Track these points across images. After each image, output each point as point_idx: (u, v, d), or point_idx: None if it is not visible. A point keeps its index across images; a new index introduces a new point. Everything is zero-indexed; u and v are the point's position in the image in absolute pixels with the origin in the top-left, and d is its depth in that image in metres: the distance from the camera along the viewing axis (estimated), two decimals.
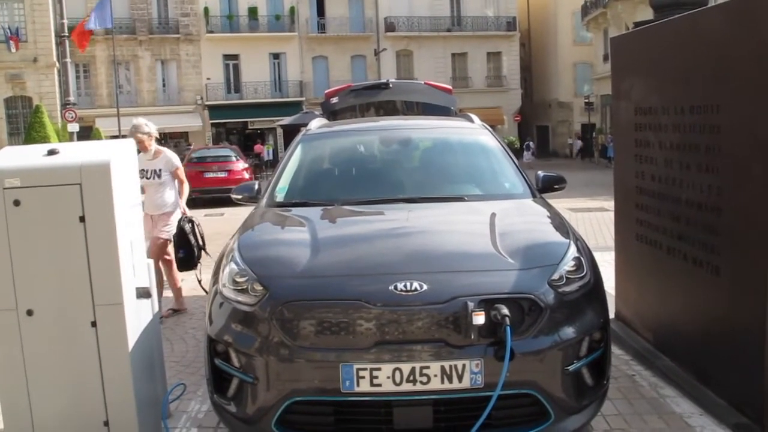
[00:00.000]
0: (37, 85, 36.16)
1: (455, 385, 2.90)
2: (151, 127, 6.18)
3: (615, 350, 4.99)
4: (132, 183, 3.65)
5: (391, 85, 7.40)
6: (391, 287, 2.98)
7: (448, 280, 3.05)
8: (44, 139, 24.29)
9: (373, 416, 3.01)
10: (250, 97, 42.48)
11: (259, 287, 3.14)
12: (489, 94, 46.20)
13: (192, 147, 31.07)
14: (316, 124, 5.46)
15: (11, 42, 34.98)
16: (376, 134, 5.20)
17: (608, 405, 3.92)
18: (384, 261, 3.25)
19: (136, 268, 3.59)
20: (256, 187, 4.69)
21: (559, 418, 3.00)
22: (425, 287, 2.98)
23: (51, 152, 3.46)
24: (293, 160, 4.78)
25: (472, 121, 5.34)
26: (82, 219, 3.30)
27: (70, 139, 24.14)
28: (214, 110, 41.79)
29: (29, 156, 3.51)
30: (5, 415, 3.49)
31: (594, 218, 13.71)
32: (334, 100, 7.39)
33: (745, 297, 3.65)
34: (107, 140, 3.84)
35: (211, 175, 19.47)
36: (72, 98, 25.98)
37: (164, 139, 42.62)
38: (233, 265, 3.36)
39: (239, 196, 4.68)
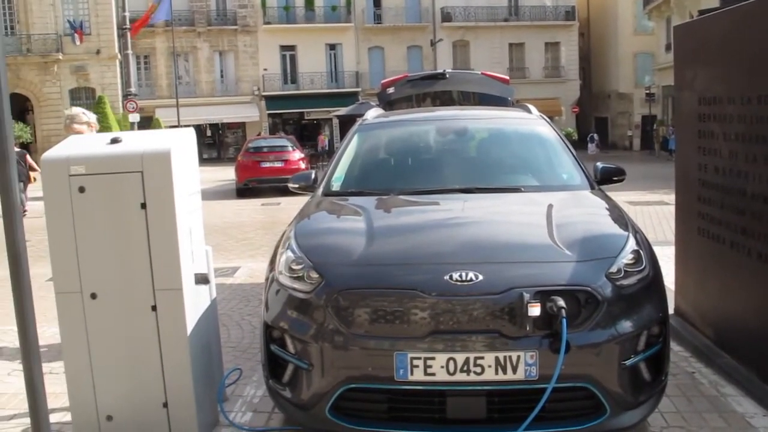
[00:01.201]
0: (100, 76, 37.32)
1: (509, 376, 2.88)
2: (89, 116, 5.72)
3: (674, 346, 4.87)
4: (191, 171, 3.71)
5: (447, 75, 7.36)
6: (447, 277, 2.97)
7: (503, 271, 3.02)
8: (107, 130, 24.98)
9: (426, 405, 3.02)
10: (306, 88, 42.85)
11: (314, 275, 3.17)
12: (547, 84, 45.54)
13: (260, 134, 31.51)
14: (373, 114, 5.47)
15: (76, 35, 36.17)
16: (433, 124, 5.18)
17: (666, 402, 3.83)
18: (439, 250, 3.24)
19: (194, 254, 3.67)
20: (313, 176, 4.73)
21: (614, 412, 2.95)
22: (480, 277, 2.96)
23: (114, 141, 3.56)
24: (349, 149, 4.81)
25: (530, 111, 5.27)
26: (143, 206, 3.38)
27: (131, 129, 24.79)
28: (271, 101, 42.30)
29: (94, 144, 3.61)
30: (71, 395, 3.61)
31: (653, 212, 13.39)
32: (391, 90, 7.39)
33: None
34: (167, 129, 3.95)
35: (267, 164, 19.70)
36: (133, 89, 26.64)
37: (221, 129, 43.53)
38: (290, 253, 3.40)
39: (296, 185, 4.73)
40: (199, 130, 43.28)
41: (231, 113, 41.19)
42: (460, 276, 2.97)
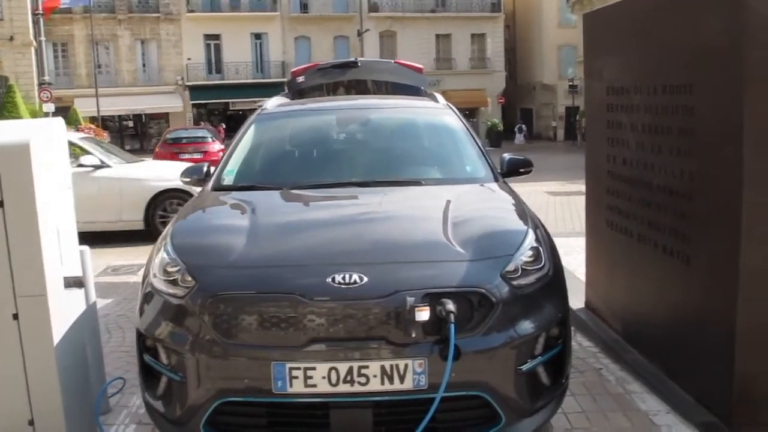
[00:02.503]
0: (14, 64, 35.49)
1: (396, 386, 2.67)
2: None
3: (583, 341, 4.81)
4: (59, 165, 3.37)
5: (359, 64, 7.11)
6: (329, 279, 2.74)
7: (390, 272, 2.80)
8: (17, 120, 23.75)
9: (308, 419, 2.78)
10: (231, 78, 41.99)
11: (188, 278, 2.89)
12: (473, 76, 45.95)
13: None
14: (273, 102, 5.19)
15: None
16: (334, 114, 4.94)
17: (571, 401, 3.73)
18: (323, 251, 3.01)
19: (64, 256, 3.33)
20: (205, 169, 4.41)
21: (510, 420, 2.77)
22: (365, 279, 2.74)
23: None
24: (244, 141, 4.51)
25: (436, 101, 5.09)
26: (0, 204, 3.04)
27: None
28: (195, 91, 41.26)
29: None
30: None
31: (573, 201, 13.52)
32: (301, 78, 7.09)
33: (715, 288, 3.45)
34: (30, 119, 3.59)
35: (186, 156, 18.98)
36: (47, 78, 25.48)
37: (144, 120, 42.22)
38: (164, 254, 3.11)
39: (188, 179, 4.41)
40: (121, 120, 41.92)
41: (153, 103, 39.90)
42: (344, 278, 2.74)
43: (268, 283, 2.80)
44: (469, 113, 46.44)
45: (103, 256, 8.62)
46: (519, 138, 38.32)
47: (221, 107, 43.06)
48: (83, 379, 3.54)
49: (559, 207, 12.56)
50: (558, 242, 8.03)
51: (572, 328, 5.06)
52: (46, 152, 3.18)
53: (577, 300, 5.47)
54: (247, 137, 4.56)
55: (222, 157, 4.50)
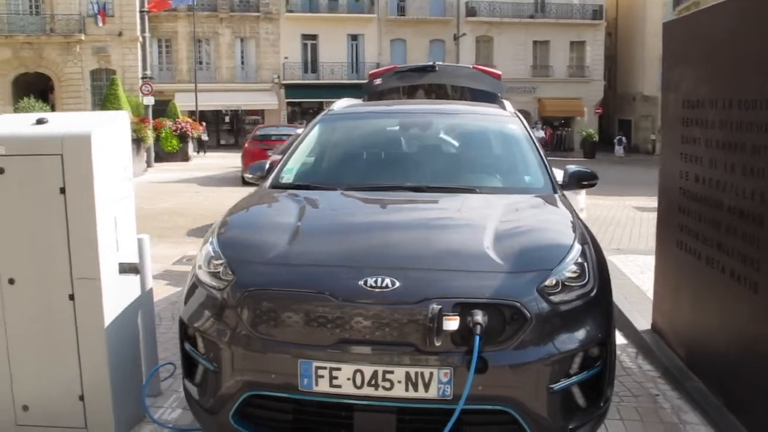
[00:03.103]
0: (121, 58, 37.47)
1: (421, 393, 2.63)
2: None
3: (644, 365, 4.62)
4: (120, 157, 3.52)
5: (437, 68, 7.05)
6: (361, 282, 2.73)
7: (422, 279, 2.76)
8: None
9: (332, 419, 2.78)
10: (326, 78, 42.66)
11: (228, 272, 2.96)
12: (570, 84, 44.97)
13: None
14: (342, 104, 5.23)
15: (99, 16, 36.35)
16: (396, 118, 4.92)
17: (619, 426, 3.59)
18: (359, 253, 3.00)
19: (120, 243, 3.48)
20: (267, 166, 4.49)
21: None
22: (397, 285, 2.71)
23: (39, 121, 3.40)
24: (307, 140, 4.57)
25: (504, 108, 4.99)
26: (62, 190, 3.22)
27: (145, 113, 24.78)
28: (291, 89, 42.20)
29: (18, 124, 3.44)
30: None
31: None
32: (378, 81, 7.11)
33: None
34: (100, 112, 3.77)
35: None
36: (149, 72, 26.65)
37: (241, 116, 43.55)
38: (209, 247, 3.19)
39: (251, 176, 4.50)
40: (219, 115, 43.39)
41: (250, 100, 41.16)
42: (375, 282, 2.72)
43: (301, 282, 2.82)
44: (564, 122, 45.51)
45: (181, 246, 8.96)
46: (618, 150, 37.35)
47: (315, 106, 43.78)
48: (133, 362, 3.68)
49: (645, 223, 12.08)
50: (636, 260, 7.81)
51: (634, 350, 4.91)
52: (107, 144, 3.34)
53: (645, 321, 5.26)
54: (310, 137, 4.62)
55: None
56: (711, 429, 3.60)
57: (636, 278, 6.84)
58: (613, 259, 7.74)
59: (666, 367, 4.45)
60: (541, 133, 21.57)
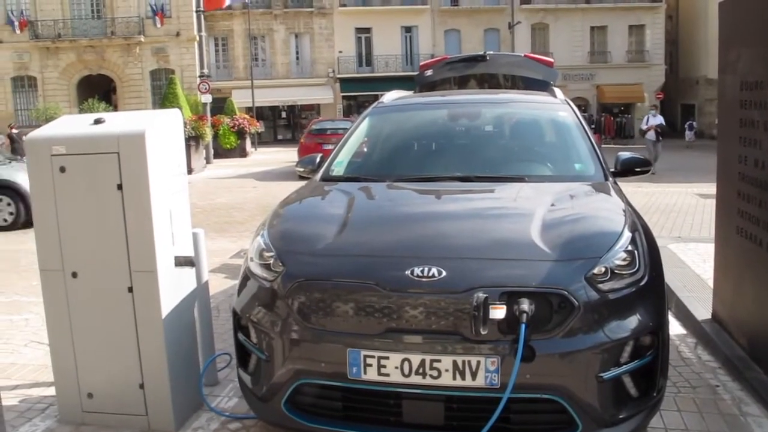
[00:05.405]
0: (179, 58, 38.40)
1: (468, 382, 2.64)
2: None
3: (704, 356, 4.50)
4: (174, 153, 3.62)
5: (488, 58, 6.99)
6: (408, 272, 2.75)
7: (468, 268, 2.76)
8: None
9: (381, 407, 2.82)
10: (381, 71, 42.77)
11: (279, 263, 3.02)
12: (630, 69, 43.91)
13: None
14: (390, 96, 5.24)
15: (157, 18, 37.32)
16: (445, 108, 4.91)
17: (676, 418, 3.51)
18: (406, 243, 3.01)
19: (175, 236, 3.58)
20: (318, 159, 4.55)
21: (587, 428, 2.65)
22: (444, 274, 2.72)
23: (97, 121, 3.53)
24: (357, 133, 4.61)
25: (554, 95, 4.92)
26: (119, 187, 3.34)
27: (203, 110, 25.29)
28: (346, 83, 42.45)
29: (77, 125, 3.58)
30: (55, 372, 3.62)
31: None
32: (429, 72, 7.10)
33: None
34: (150, 111, 3.88)
35: (329, 147, 19.59)
36: (206, 70, 27.15)
37: (297, 111, 44.04)
38: (260, 240, 3.26)
39: (302, 169, 4.57)
40: (275, 111, 43.98)
41: (306, 95, 41.61)
42: (422, 271, 2.73)
43: (349, 272, 2.86)
44: (623, 109, 44.44)
45: (240, 240, 9.14)
46: (689, 135, 36.38)
47: (371, 99, 43.83)
48: (191, 352, 3.79)
49: (708, 210, 11.70)
50: (697, 248, 7.59)
51: (693, 341, 4.79)
52: (161, 141, 3.45)
53: (705, 311, 5.12)
54: (360, 130, 4.66)
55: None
56: None
57: (697, 267, 6.65)
58: (673, 248, 7.55)
59: (726, 358, 4.32)
60: (659, 119, 20.73)
